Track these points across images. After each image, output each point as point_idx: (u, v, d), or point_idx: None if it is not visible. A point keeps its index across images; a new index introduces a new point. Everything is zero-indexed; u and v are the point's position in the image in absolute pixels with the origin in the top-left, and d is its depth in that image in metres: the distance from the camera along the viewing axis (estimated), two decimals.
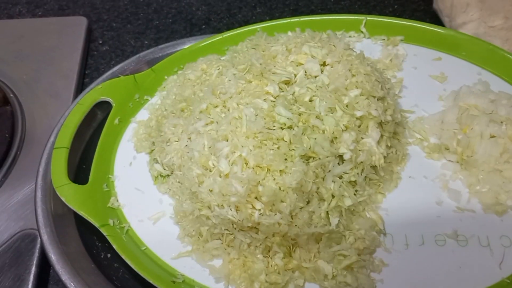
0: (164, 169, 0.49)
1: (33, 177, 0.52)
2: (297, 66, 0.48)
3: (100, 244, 0.49)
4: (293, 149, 0.42)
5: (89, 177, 0.48)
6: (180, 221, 0.46)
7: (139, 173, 0.50)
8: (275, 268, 0.42)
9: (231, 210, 0.41)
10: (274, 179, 0.41)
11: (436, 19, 0.68)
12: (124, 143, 0.53)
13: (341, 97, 0.45)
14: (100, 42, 0.72)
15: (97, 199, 0.47)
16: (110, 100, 0.54)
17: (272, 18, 0.74)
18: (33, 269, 0.48)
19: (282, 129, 0.43)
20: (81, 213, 0.45)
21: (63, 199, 0.45)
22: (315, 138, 0.43)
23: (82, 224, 0.49)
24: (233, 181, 0.41)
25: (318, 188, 0.42)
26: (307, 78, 0.47)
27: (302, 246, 0.43)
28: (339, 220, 0.43)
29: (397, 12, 0.75)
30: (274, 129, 0.43)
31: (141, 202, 0.48)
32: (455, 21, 0.64)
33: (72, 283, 0.43)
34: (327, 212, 0.43)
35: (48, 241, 0.45)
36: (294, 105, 0.45)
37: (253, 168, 0.41)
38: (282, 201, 0.41)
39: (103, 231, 0.44)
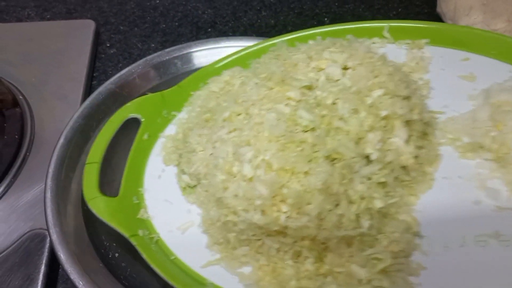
0: (191, 179, 0.49)
1: (42, 178, 0.53)
2: (318, 71, 0.48)
3: (108, 244, 0.49)
4: (317, 151, 0.41)
5: (120, 190, 0.48)
6: (208, 230, 0.46)
7: (168, 185, 0.51)
8: (306, 273, 0.41)
9: (256, 214, 0.40)
10: (299, 181, 0.40)
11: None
12: (153, 157, 0.53)
13: (364, 98, 0.44)
14: (108, 45, 0.73)
15: (127, 211, 0.48)
16: (139, 116, 0.54)
17: (277, 21, 0.75)
18: (43, 268, 0.48)
19: (305, 132, 0.43)
20: (112, 224, 0.45)
21: (94, 211, 0.46)
22: (339, 139, 0.42)
23: (90, 225, 0.50)
24: (257, 184, 0.40)
25: (346, 190, 0.41)
26: (329, 82, 0.46)
27: (333, 251, 0.42)
28: (370, 223, 0.41)
29: (401, 15, 0.75)
30: (296, 132, 0.42)
31: (170, 213, 0.48)
32: (458, 24, 0.65)
33: (80, 282, 0.43)
34: (357, 214, 0.41)
35: (57, 240, 0.46)
36: (316, 108, 0.44)
37: (276, 171, 0.40)
38: (308, 203, 0.40)
39: (133, 241, 0.45)
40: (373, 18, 0.75)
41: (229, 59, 0.59)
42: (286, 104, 0.44)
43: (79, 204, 0.51)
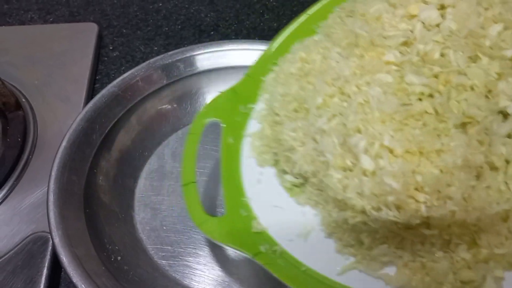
0: (296, 178, 0.44)
1: (44, 180, 0.53)
2: (410, 19, 0.40)
3: (110, 247, 0.49)
4: (444, 120, 0.35)
5: (225, 207, 0.44)
6: (333, 233, 0.41)
7: (271, 189, 0.45)
8: (463, 263, 0.35)
9: (391, 211, 0.35)
10: (432, 162, 0.34)
11: None
12: (244, 160, 0.47)
13: (480, 40, 0.36)
14: (111, 48, 0.73)
15: (240, 227, 0.43)
16: (218, 120, 0.49)
17: (280, 24, 0.75)
18: (45, 271, 0.48)
19: (421, 100, 0.36)
20: (232, 246, 0.41)
21: (208, 236, 0.42)
22: (466, 99, 0.35)
23: (92, 228, 0.50)
24: (384, 177, 0.34)
25: (487, 157, 0.35)
26: (428, 30, 0.39)
27: (487, 230, 0.35)
28: None
29: None
30: (411, 104, 0.36)
31: (284, 219, 0.43)
32: None
33: (83, 285, 0.43)
34: (505, 182, 0.35)
35: (60, 243, 0.46)
36: (424, 67, 0.37)
37: (402, 156, 0.35)
38: (449, 185, 0.34)
39: (258, 260, 0.39)
40: None
41: (290, 30, 0.51)
42: (387, 71, 0.38)
43: (81, 207, 0.51)
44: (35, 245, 0.50)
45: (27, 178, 0.56)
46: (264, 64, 0.51)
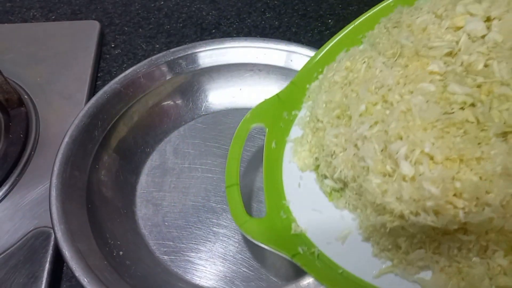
0: (336, 183, 0.45)
1: (46, 177, 0.53)
2: (456, 31, 0.40)
3: (112, 242, 0.50)
4: (485, 129, 0.35)
5: (266, 208, 0.46)
6: (370, 237, 0.42)
7: (311, 193, 0.47)
8: (499, 269, 0.36)
9: (429, 216, 0.35)
10: (472, 169, 0.35)
11: None
12: (286, 165, 0.49)
13: None
14: (112, 45, 0.74)
15: (280, 229, 0.44)
16: (262, 125, 0.50)
17: (281, 23, 0.75)
18: (47, 266, 0.48)
19: (463, 109, 0.36)
20: (271, 246, 0.42)
21: (249, 236, 0.43)
22: (507, 109, 0.35)
23: (94, 223, 0.50)
24: (423, 183, 0.35)
25: None
26: (473, 42, 0.39)
27: None
28: None
29: None
30: (453, 112, 0.36)
31: (323, 222, 0.45)
32: None
33: (85, 279, 0.43)
34: None
35: (62, 238, 0.46)
36: (467, 77, 0.38)
37: (442, 163, 0.35)
38: (488, 192, 0.34)
39: (296, 261, 0.41)
40: None
41: (336, 39, 0.52)
42: (431, 81, 0.38)
43: (83, 202, 0.51)
44: (37, 240, 0.50)
45: (29, 174, 0.56)
46: (309, 72, 0.52)
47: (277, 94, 0.52)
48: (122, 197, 0.55)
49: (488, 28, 0.39)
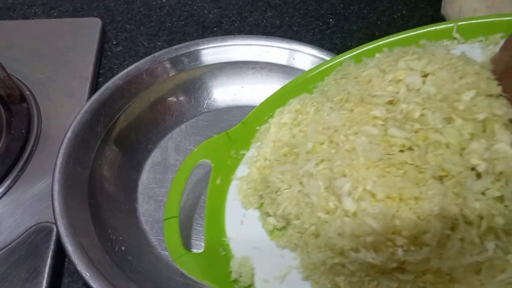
0: (278, 221, 0.45)
1: (48, 172, 0.53)
2: (397, 83, 0.44)
3: (114, 237, 0.50)
4: (422, 171, 0.38)
5: (204, 243, 0.45)
6: (310, 275, 0.41)
7: (253, 231, 0.47)
8: None
9: (369, 252, 0.36)
10: (410, 208, 0.36)
11: None
12: (230, 202, 0.49)
13: (455, 104, 0.40)
14: (114, 43, 0.74)
15: (217, 265, 0.44)
16: (208, 161, 0.50)
17: (282, 22, 0.75)
18: (49, 261, 0.49)
19: (402, 151, 0.39)
20: (206, 282, 0.42)
21: (183, 271, 0.42)
22: (442, 154, 0.38)
23: (96, 218, 0.50)
24: (365, 218, 0.36)
25: (461, 210, 0.36)
26: (411, 93, 0.43)
27: (460, 281, 0.36)
28: (496, 244, 0.36)
29: (406, 17, 0.76)
30: (393, 154, 0.39)
31: (262, 260, 0.44)
32: None
33: (87, 273, 0.44)
34: (480, 236, 0.36)
35: (64, 232, 0.46)
36: (406, 124, 0.41)
37: (383, 200, 0.37)
38: (425, 232, 0.36)
39: None
40: (378, 19, 0.76)
41: (289, 85, 0.54)
42: (374, 125, 0.41)
43: (85, 197, 0.51)
44: (39, 236, 0.50)
45: (31, 170, 0.56)
46: (260, 114, 0.53)
47: (226, 132, 0.52)
48: (124, 193, 0.55)
49: (424, 82, 0.43)
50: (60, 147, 0.52)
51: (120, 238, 0.50)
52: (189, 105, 0.63)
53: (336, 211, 0.39)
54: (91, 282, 0.43)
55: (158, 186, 0.56)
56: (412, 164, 0.39)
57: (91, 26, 0.73)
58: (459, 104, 0.40)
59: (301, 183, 0.42)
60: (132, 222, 0.53)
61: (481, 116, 0.39)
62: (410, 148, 0.40)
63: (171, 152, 0.59)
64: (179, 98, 0.62)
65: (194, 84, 0.63)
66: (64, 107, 0.63)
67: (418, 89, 0.43)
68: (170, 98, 0.62)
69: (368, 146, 0.40)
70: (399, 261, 0.36)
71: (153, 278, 0.48)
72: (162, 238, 0.52)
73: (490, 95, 0.40)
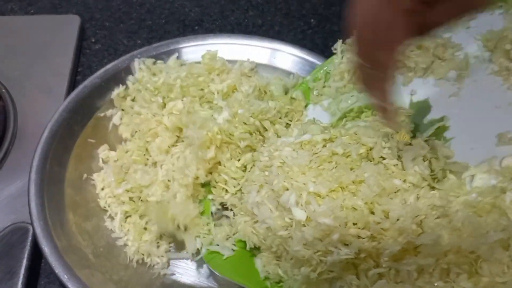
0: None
1: (24, 172, 0.52)
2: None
3: (92, 239, 0.49)
4: (349, 155, 0.41)
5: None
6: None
7: None
8: None
9: (341, 249, 0.37)
10: (353, 193, 0.39)
11: None
12: None
13: None
14: (93, 40, 0.73)
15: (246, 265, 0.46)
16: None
17: (264, 21, 0.75)
18: (25, 261, 0.48)
19: (325, 146, 0.43)
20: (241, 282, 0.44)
21: (217, 272, 0.45)
22: (356, 130, 0.43)
23: (75, 219, 0.49)
24: (318, 219, 0.38)
25: (404, 181, 0.40)
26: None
27: (488, 259, 0.36)
28: None
29: None
30: (319, 151, 0.42)
31: None
32: None
33: (65, 276, 0.43)
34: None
35: (41, 234, 0.45)
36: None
37: (328, 195, 0.39)
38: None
39: None
40: None
41: None
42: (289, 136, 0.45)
43: (63, 198, 0.50)
44: (14, 236, 0.49)
45: (7, 169, 0.55)
46: None
47: None
48: None
49: None
50: (36, 147, 0.51)
51: (99, 239, 0.49)
52: None
53: (292, 224, 0.40)
54: (69, 284, 0.43)
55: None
56: (338, 154, 0.42)
57: (70, 23, 0.72)
58: None
59: (253, 213, 0.44)
60: (111, 223, 0.52)
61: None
62: (331, 140, 0.44)
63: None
64: None
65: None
66: (41, 104, 0.62)
67: None
68: None
69: (294, 154, 0.43)
70: (412, 244, 0.37)
71: (133, 280, 0.48)
72: None
73: None
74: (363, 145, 0.42)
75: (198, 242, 0.47)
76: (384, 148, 0.42)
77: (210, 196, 0.50)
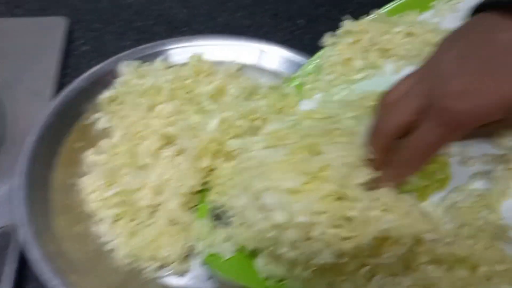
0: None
1: (11, 175, 0.51)
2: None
3: (80, 244, 0.49)
4: (316, 142, 0.41)
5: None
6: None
7: None
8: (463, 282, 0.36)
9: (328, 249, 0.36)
10: (326, 180, 0.38)
11: None
12: None
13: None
14: (81, 42, 0.72)
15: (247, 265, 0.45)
16: None
17: (252, 22, 0.75)
18: (10, 267, 0.47)
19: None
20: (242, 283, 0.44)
21: (219, 273, 0.45)
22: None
23: (62, 224, 0.49)
24: (296, 219, 0.37)
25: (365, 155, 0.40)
26: None
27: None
28: None
29: None
30: (290, 144, 0.42)
31: None
32: None
33: (52, 281, 0.43)
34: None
35: (28, 240, 0.45)
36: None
37: (303, 189, 0.38)
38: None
39: None
40: None
41: None
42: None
43: (50, 203, 0.50)
44: (1, 240, 0.49)
45: None
46: None
47: None
48: None
49: None
50: (23, 151, 0.51)
51: (87, 244, 0.49)
52: None
53: (275, 227, 0.39)
54: None
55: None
56: (306, 143, 0.42)
57: (57, 25, 0.71)
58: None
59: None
60: (99, 227, 0.52)
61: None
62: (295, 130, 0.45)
63: None
64: None
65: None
66: (29, 107, 0.61)
67: None
68: None
69: (267, 152, 0.43)
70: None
71: (123, 285, 0.47)
72: None
73: None
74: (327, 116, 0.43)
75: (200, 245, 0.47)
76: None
77: (207, 199, 0.50)
